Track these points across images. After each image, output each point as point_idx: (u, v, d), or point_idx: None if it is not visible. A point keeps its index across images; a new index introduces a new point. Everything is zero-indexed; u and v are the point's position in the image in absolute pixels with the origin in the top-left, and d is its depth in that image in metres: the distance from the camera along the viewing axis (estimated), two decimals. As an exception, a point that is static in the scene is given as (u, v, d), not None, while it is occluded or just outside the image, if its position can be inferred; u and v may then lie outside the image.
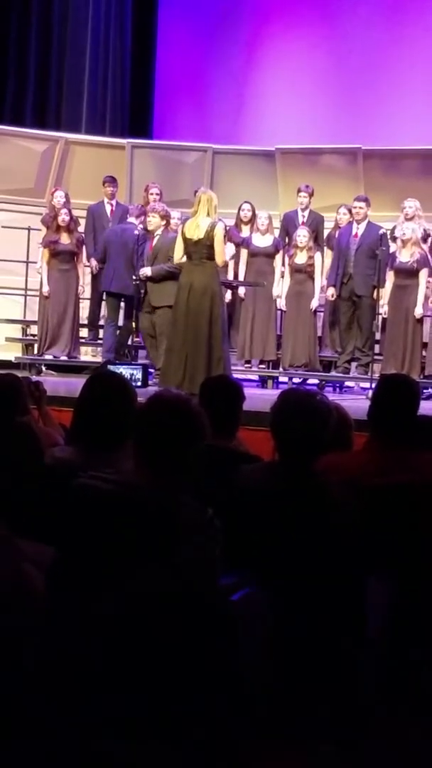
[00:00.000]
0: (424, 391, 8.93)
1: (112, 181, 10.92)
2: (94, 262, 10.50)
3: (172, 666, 2.58)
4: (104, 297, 10.55)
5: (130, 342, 10.15)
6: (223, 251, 8.30)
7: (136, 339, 10.08)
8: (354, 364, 10.06)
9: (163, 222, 9.58)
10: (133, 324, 9.68)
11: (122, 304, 10.18)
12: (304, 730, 3.00)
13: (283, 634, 3.01)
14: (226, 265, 9.42)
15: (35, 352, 10.62)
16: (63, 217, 10.13)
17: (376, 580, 3.31)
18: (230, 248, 9.80)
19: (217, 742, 2.70)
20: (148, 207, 10.01)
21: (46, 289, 10.24)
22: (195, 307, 8.06)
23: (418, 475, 3.58)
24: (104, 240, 10.29)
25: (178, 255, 8.25)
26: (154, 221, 9.52)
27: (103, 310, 10.81)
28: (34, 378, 6.42)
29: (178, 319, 8.20)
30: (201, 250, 8.05)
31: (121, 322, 10.28)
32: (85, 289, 10.68)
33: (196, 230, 8.04)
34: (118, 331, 10.11)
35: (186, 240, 8.10)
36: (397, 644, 3.40)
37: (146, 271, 9.45)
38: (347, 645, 3.11)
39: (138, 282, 9.49)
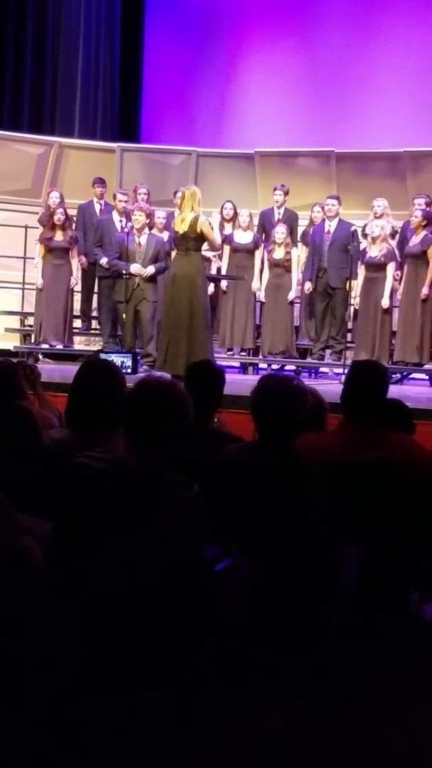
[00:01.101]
0: (392, 376, 8.95)
1: (101, 182, 10.92)
2: (83, 259, 10.46)
3: (161, 630, 2.59)
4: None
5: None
6: (214, 237, 8.30)
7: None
8: (328, 352, 10.09)
9: (148, 221, 9.57)
10: (124, 315, 9.65)
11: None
12: (282, 686, 3.02)
13: (262, 599, 3.02)
14: (221, 248, 9.43)
15: (32, 341, 10.62)
16: (59, 216, 10.12)
17: (348, 549, 3.32)
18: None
19: (202, 696, 2.71)
20: (135, 206, 10.02)
21: (40, 282, 10.24)
22: (177, 296, 8.06)
23: (386, 452, 3.59)
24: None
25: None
26: (140, 219, 9.50)
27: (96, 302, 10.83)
28: (29, 363, 6.40)
29: (167, 310, 8.23)
30: (187, 242, 8.05)
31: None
32: (78, 283, 10.64)
33: (181, 224, 8.05)
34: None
35: (175, 234, 8.11)
36: (367, 606, 3.43)
37: (149, 269, 9.37)
38: (321, 607, 3.13)
39: (129, 276, 9.44)
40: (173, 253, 8.29)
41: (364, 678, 3.29)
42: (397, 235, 9.77)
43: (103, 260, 10.09)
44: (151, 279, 9.45)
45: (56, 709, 2.56)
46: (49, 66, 13.40)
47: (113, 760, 2.54)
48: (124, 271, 9.48)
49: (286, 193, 10.49)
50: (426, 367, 9.66)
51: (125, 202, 10.39)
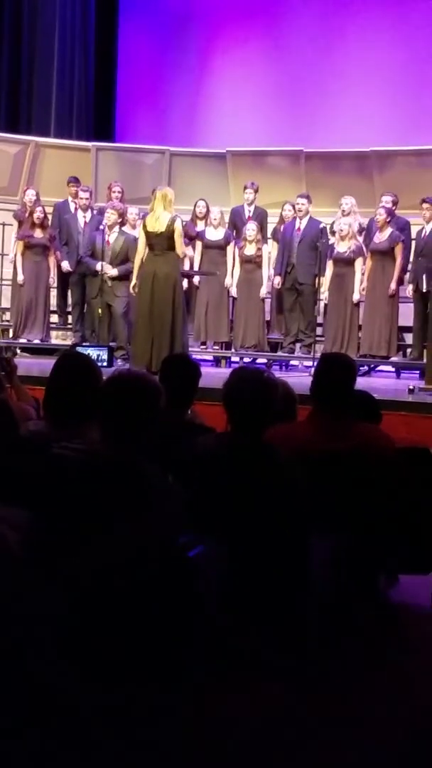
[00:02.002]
0: (360, 368, 9.00)
1: (75, 181, 10.88)
2: (66, 265, 10.39)
3: (137, 615, 2.59)
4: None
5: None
6: (182, 244, 8.32)
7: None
8: (298, 345, 10.11)
9: (119, 219, 9.60)
10: (99, 310, 9.64)
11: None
12: (256, 668, 3.03)
13: (235, 584, 3.03)
14: (185, 255, 9.46)
15: (10, 335, 10.58)
16: (38, 215, 10.10)
17: (319, 537, 3.33)
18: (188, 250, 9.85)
19: (180, 677, 2.72)
20: (107, 204, 10.05)
21: (21, 278, 10.21)
22: (159, 295, 8.06)
23: (354, 442, 3.61)
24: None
25: (141, 248, 8.27)
26: (112, 217, 9.53)
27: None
28: (5, 355, 6.37)
29: (143, 306, 8.20)
30: (162, 241, 8.05)
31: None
32: (55, 280, 10.61)
33: (156, 223, 8.03)
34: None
35: (148, 233, 8.09)
36: (337, 591, 3.44)
37: (113, 271, 9.42)
38: (293, 593, 3.14)
39: (98, 273, 9.50)
40: (146, 252, 8.21)
41: (336, 659, 3.31)
42: (364, 232, 9.80)
43: (64, 264, 10.29)
44: (123, 279, 9.43)
45: (32, 696, 2.55)
46: (26, 67, 13.35)
47: (94, 747, 2.54)
48: (96, 270, 9.54)
49: (256, 191, 10.50)
50: (392, 359, 9.72)
51: (87, 198, 10.46)
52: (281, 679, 3.03)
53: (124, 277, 9.40)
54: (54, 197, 10.90)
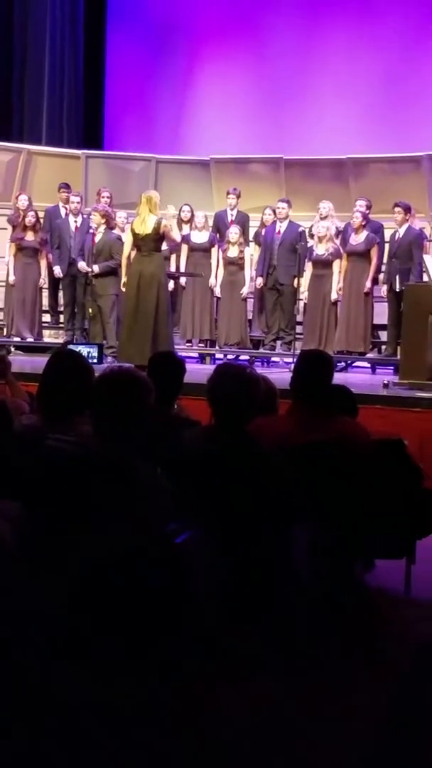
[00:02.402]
0: (337, 364, 9.02)
1: (66, 187, 10.86)
2: (57, 270, 10.37)
3: (127, 605, 2.59)
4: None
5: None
6: (176, 235, 8.38)
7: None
8: (279, 342, 10.13)
9: (104, 220, 9.55)
10: (89, 310, 9.63)
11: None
12: (244, 655, 3.03)
13: (221, 571, 3.03)
14: (180, 242, 9.48)
15: (4, 334, 10.56)
16: (30, 218, 10.13)
17: (299, 525, 3.34)
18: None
19: (169, 667, 2.71)
20: (92, 207, 10.12)
21: (12, 278, 10.24)
22: (144, 294, 8.06)
23: (332, 434, 3.62)
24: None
25: (128, 248, 8.28)
26: (95, 219, 9.53)
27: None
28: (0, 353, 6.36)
29: (129, 303, 8.20)
30: (149, 243, 8.04)
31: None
32: (46, 281, 10.59)
33: (143, 226, 8.03)
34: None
35: (135, 235, 8.09)
36: (317, 576, 3.45)
37: (94, 268, 9.40)
38: (276, 579, 3.15)
39: (81, 273, 9.55)
40: (133, 253, 8.23)
41: (317, 641, 3.32)
42: (341, 235, 9.81)
43: (56, 269, 10.31)
44: (109, 274, 9.38)
45: (25, 685, 2.54)
46: (17, 79, 13.31)
47: (84, 740, 2.53)
48: (82, 270, 9.62)
49: (238, 196, 10.51)
50: (368, 355, 9.75)
51: (78, 203, 10.47)
52: (267, 664, 3.04)
53: (110, 273, 9.34)
54: (45, 202, 10.88)
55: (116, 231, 9.80)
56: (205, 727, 2.65)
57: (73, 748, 2.44)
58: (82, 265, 9.49)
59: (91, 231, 9.61)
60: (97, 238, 9.52)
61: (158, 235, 8.00)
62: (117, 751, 2.47)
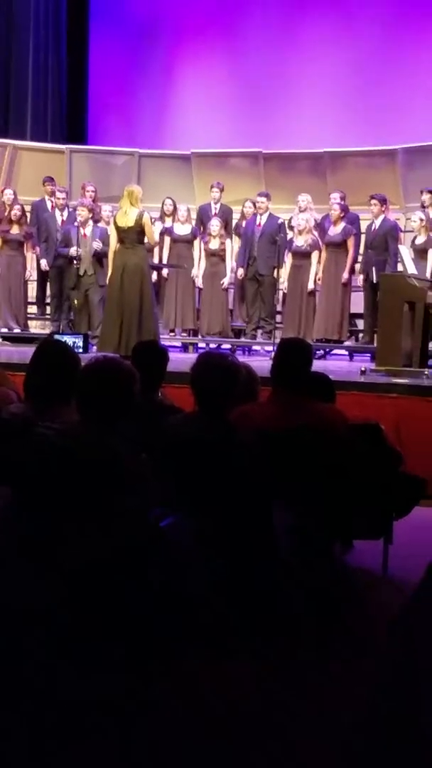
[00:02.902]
0: (316, 352, 9.03)
1: (50, 180, 10.81)
2: (44, 263, 10.33)
3: (114, 583, 2.59)
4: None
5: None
6: (153, 232, 8.31)
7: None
8: (259, 331, 10.13)
9: (90, 215, 9.60)
10: (75, 301, 9.61)
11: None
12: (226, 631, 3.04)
13: (205, 551, 3.04)
14: (157, 244, 9.44)
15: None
16: (15, 212, 10.07)
17: (279, 507, 3.35)
18: (158, 227, 9.86)
19: (152, 640, 2.72)
20: (77, 202, 10.13)
21: (-2, 270, 10.20)
22: (128, 285, 8.03)
23: (311, 419, 3.63)
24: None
25: (113, 242, 8.24)
26: (83, 214, 9.53)
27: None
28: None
29: (113, 294, 8.16)
30: (131, 235, 8.01)
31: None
32: (32, 273, 10.54)
33: (125, 219, 8.00)
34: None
35: (118, 228, 8.06)
36: (297, 556, 3.46)
37: (95, 244, 9.40)
38: (258, 558, 3.16)
39: (75, 261, 9.47)
40: (118, 246, 8.19)
41: (297, 618, 3.33)
42: (319, 227, 9.82)
43: (43, 262, 10.28)
44: (101, 266, 9.40)
45: (15, 663, 2.54)
46: (2, 77, 13.23)
47: (78, 715, 2.54)
48: (67, 255, 9.50)
49: (221, 190, 10.48)
50: (345, 343, 9.77)
51: (64, 198, 10.45)
52: (249, 640, 3.05)
53: (101, 264, 9.36)
54: (31, 196, 10.82)
55: (101, 224, 9.80)
56: (192, 705, 2.66)
57: (67, 731, 2.45)
58: (73, 249, 9.40)
59: (75, 224, 9.60)
60: (88, 231, 9.51)
61: (140, 228, 7.97)
62: (111, 730, 2.47)
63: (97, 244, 9.41)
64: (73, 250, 9.40)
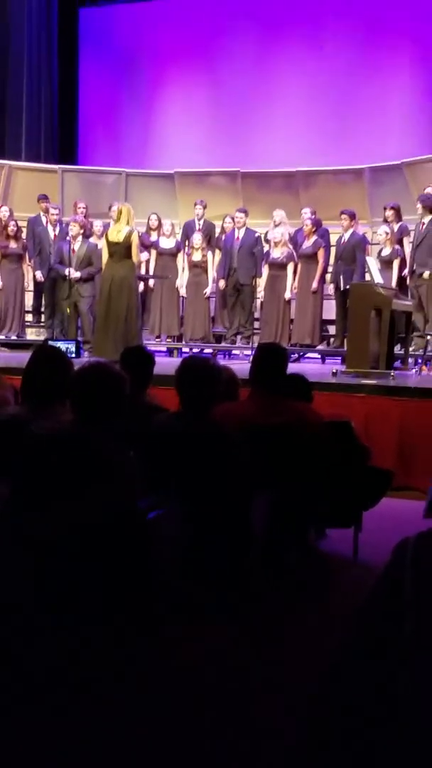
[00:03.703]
0: (291, 355, 9.06)
1: (45, 198, 10.79)
2: (38, 275, 10.32)
3: (104, 569, 2.59)
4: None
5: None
6: (138, 253, 8.33)
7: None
8: (239, 337, 10.14)
9: (81, 230, 9.63)
10: (67, 310, 9.62)
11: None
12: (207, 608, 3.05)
13: (188, 539, 3.05)
14: (140, 263, 9.43)
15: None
16: (12, 228, 10.06)
17: (258, 497, 3.37)
18: (144, 255, 9.89)
19: (141, 620, 2.73)
20: (70, 218, 10.12)
21: None
22: (116, 295, 8.05)
23: (286, 417, 3.65)
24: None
25: (105, 255, 8.24)
26: (75, 229, 9.56)
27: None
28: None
29: (102, 304, 8.19)
30: (121, 250, 8.03)
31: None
32: (29, 283, 10.53)
33: (117, 235, 8.02)
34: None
35: (109, 243, 8.08)
36: (274, 543, 3.48)
37: (76, 274, 9.41)
38: (237, 542, 3.17)
39: (66, 277, 9.50)
40: (105, 258, 8.22)
41: (273, 598, 3.35)
42: (292, 240, 9.85)
43: (38, 274, 10.25)
44: (87, 281, 9.46)
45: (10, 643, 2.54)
46: (-1, 103, 13.21)
47: (66, 692, 2.54)
48: (65, 274, 9.53)
49: (204, 207, 10.51)
50: (318, 347, 9.81)
51: (57, 214, 10.45)
52: (227, 618, 3.06)
53: (88, 279, 9.42)
54: (26, 213, 10.79)
55: (92, 239, 9.81)
56: (172, 667, 2.67)
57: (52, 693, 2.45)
58: (69, 270, 9.44)
59: (67, 239, 9.62)
60: (76, 246, 9.53)
61: (128, 244, 8.02)
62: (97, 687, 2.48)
63: (75, 274, 9.41)
64: (67, 271, 9.43)
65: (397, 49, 11.95)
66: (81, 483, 2.59)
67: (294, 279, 9.60)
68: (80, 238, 9.59)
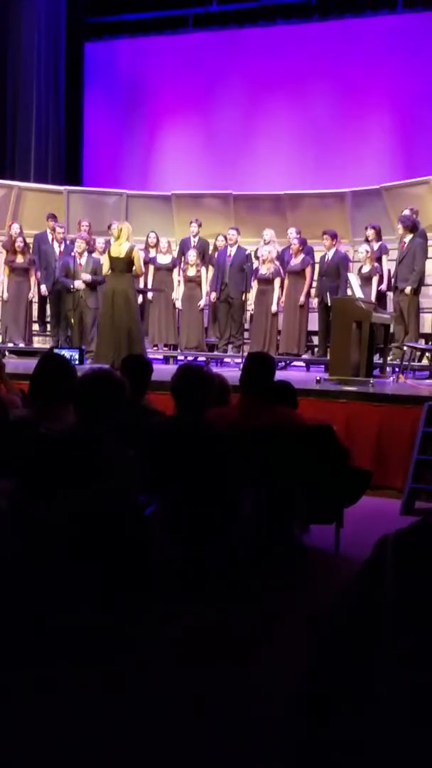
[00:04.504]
0: (278, 364, 9.06)
1: (53, 217, 10.79)
2: (44, 288, 10.32)
3: (104, 558, 2.59)
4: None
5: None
6: (141, 265, 8.35)
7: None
8: (230, 346, 10.15)
9: (87, 247, 9.70)
10: (72, 320, 9.63)
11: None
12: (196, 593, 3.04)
13: (182, 532, 3.04)
14: (144, 273, 9.46)
15: (0, 341, 10.46)
16: (19, 243, 10.06)
17: (246, 493, 3.36)
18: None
19: (137, 601, 2.72)
20: (76, 235, 10.18)
21: (5, 295, 10.20)
22: (118, 307, 8.05)
23: (273, 421, 3.65)
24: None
25: (106, 269, 8.27)
26: (81, 245, 9.63)
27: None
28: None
29: (105, 316, 8.19)
30: (121, 265, 8.04)
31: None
32: (35, 295, 10.52)
33: (118, 250, 8.04)
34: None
35: (111, 258, 8.09)
36: (260, 535, 3.48)
37: (87, 276, 9.44)
38: (225, 535, 3.17)
39: (73, 289, 9.51)
40: (105, 271, 8.28)
41: (259, 588, 3.34)
42: (280, 257, 9.87)
43: (43, 288, 10.25)
44: (92, 290, 9.45)
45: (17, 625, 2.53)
46: (10, 128, 13.21)
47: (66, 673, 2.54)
48: (71, 287, 9.54)
49: (199, 226, 10.52)
50: (303, 356, 9.82)
51: (62, 232, 10.47)
52: (216, 604, 3.06)
53: (93, 289, 9.42)
54: (33, 230, 10.79)
55: (95, 254, 9.83)
56: (167, 644, 2.66)
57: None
58: (77, 282, 9.46)
59: (72, 255, 9.64)
60: (83, 260, 9.59)
61: (129, 259, 8.03)
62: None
63: (87, 277, 9.43)
64: (76, 283, 9.45)
65: (374, 88, 12.03)
66: (84, 479, 2.59)
67: (281, 293, 9.62)
68: (86, 253, 9.65)
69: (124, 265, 8.04)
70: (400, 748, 0.52)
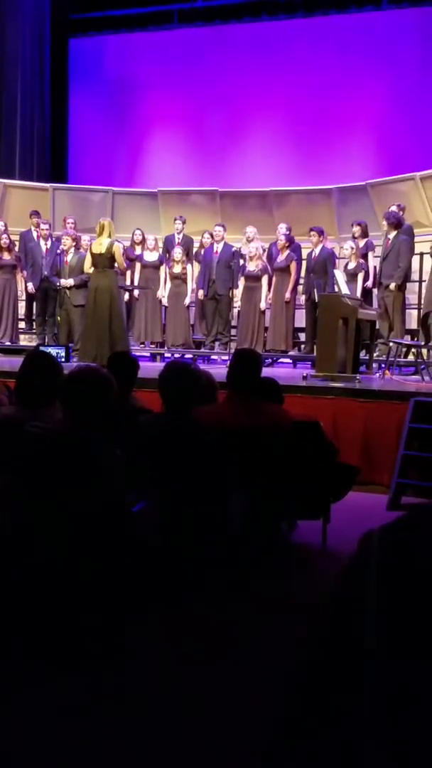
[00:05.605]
0: (265, 360, 9.08)
1: (37, 214, 10.76)
2: (30, 286, 10.28)
3: (92, 553, 2.59)
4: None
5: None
6: (122, 260, 8.34)
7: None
8: (217, 343, 10.16)
9: (74, 243, 9.68)
10: (59, 318, 9.62)
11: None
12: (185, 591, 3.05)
13: (170, 529, 3.05)
14: (126, 269, 9.46)
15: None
16: (4, 241, 9.99)
17: (233, 491, 3.37)
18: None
19: (127, 600, 2.73)
20: (62, 232, 10.17)
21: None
22: (100, 304, 8.05)
23: (260, 418, 3.66)
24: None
25: (88, 265, 8.27)
26: (67, 242, 9.65)
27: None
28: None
29: (88, 312, 8.20)
30: (103, 261, 8.04)
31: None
32: (23, 293, 10.47)
33: (99, 247, 8.04)
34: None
35: (93, 254, 8.09)
36: (248, 533, 3.49)
37: (69, 281, 9.45)
38: (213, 531, 3.18)
39: (59, 288, 9.52)
40: (87, 268, 8.29)
41: (247, 584, 3.35)
42: (266, 253, 9.88)
43: (29, 285, 10.20)
44: (79, 287, 9.47)
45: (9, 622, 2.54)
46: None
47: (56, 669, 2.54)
48: (56, 285, 9.55)
49: (183, 223, 10.51)
50: (290, 353, 9.84)
51: (48, 230, 10.45)
52: (204, 602, 3.06)
53: (81, 286, 9.41)
54: (19, 227, 10.75)
55: (82, 251, 9.81)
56: (158, 643, 2.67)
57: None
58: (63, 281, 9.50)
59: (58, 252, 9.62)
60: (69, 257, 9.57)
61: (111, 255, 8.04)
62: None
63: (69, 282, 9.48)
64: (63, 282, 9.48)
65: (359, 85, 12.05)
66: (72, 478, 2.59)
67: (269, 290, 9.64)
68: (72, 249, 9.65)
69: (106, 261, 8.04)
70: (385, 751, 0.52)
